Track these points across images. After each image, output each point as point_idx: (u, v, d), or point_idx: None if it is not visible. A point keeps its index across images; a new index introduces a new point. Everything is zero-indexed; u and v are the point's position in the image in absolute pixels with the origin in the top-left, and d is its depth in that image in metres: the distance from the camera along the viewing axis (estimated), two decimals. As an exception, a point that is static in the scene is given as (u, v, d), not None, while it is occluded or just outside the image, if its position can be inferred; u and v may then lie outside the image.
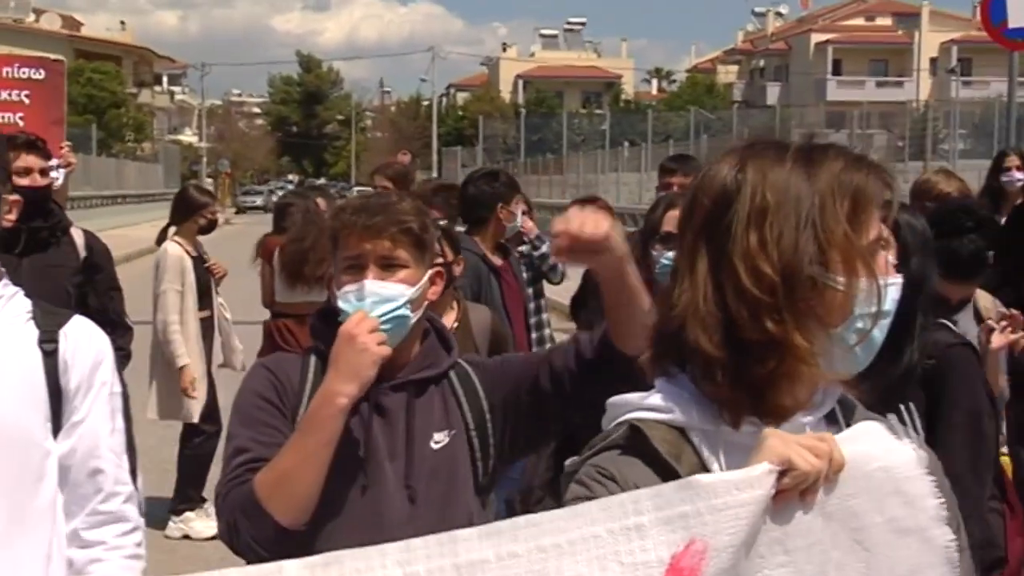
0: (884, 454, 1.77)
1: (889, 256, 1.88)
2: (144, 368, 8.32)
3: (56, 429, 2.64)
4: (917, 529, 1.76)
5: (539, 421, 3.07)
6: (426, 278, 3.02)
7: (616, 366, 2.80)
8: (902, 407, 3.32)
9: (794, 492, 1.71)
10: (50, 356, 2.64)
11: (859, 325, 1.82)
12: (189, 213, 8.61)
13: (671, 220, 4.22)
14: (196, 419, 8.37)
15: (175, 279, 8.33)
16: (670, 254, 4.14)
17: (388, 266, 2.95)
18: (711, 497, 1.68)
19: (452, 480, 3.01)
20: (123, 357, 6.13)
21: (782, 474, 1.69)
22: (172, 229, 8.68)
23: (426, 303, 3.04)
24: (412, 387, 3.02)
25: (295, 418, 2.97)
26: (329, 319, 3.08)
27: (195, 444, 8.49)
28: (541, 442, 3.42)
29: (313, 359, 3.06)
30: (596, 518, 1.70)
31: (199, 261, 8.59)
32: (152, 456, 8.74)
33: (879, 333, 1.84)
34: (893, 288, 1.85)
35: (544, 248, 6.93)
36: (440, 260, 3.49)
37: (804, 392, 1.83)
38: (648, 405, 1.87)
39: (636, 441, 1.83)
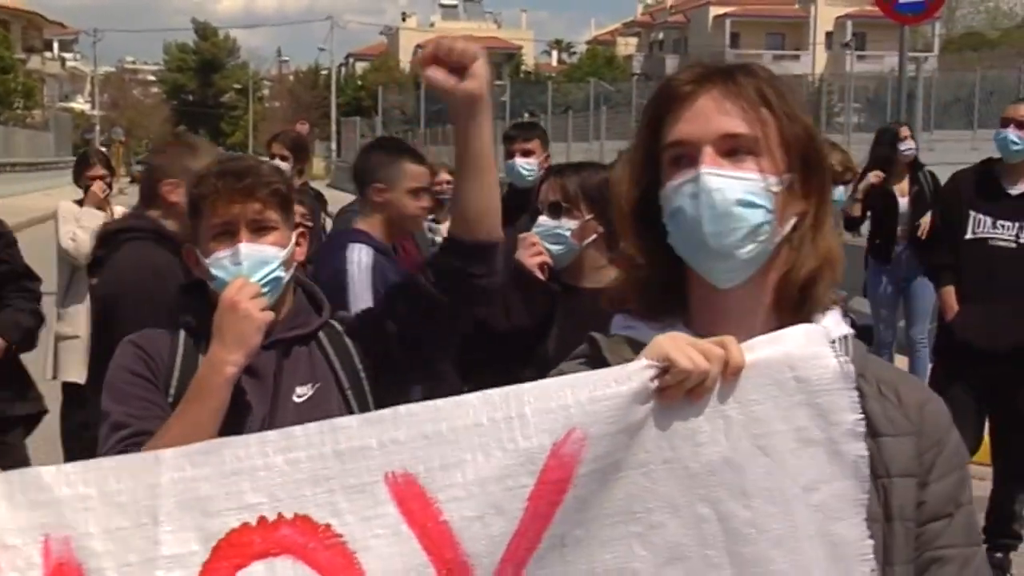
0: (804, 363, 1.79)
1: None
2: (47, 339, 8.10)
3: None
4: (826, 441, 1.78)
5: (400, 358, 3.06)
6: (293, 238, 3.01)
7: (456, 263, 2.86)
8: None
9: (678, 390, 1.76)
10: None
11: None
12: (80, 172, 8.59)
13: (540, 193, 4.29)
14: (81, 379, 8.22)
15: (71, 227, 8.14)
16: (552, 223, 4.19)
17: (259, 228, 2.93)
18: (591, 389, 1.75)
19: None
20: (33, 297, 6.24)
21: (665, 372, 1.74)
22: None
23: (295, 263, 3.04)
24: (282, 346, 3.00)
25: (167, 392, 2.93)
26: (195, 293, 3.06)
27: (73, 411, 8.25)
28: (415, 376, 3.39)
29: (182, 334, 3.02)
30: (478, 408, 1.76)
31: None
32: (55, 426, 8.51)
33: None
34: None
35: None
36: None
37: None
38: (616, 324, 2.03)
39: (591, 350, 1.99)
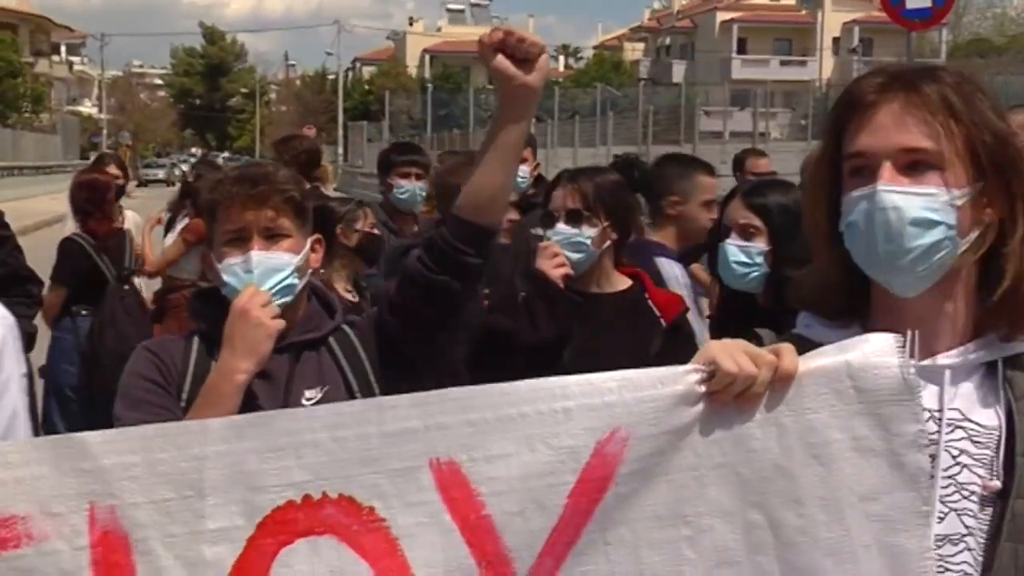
0: (865, 373, 1.78)
1: None
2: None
3: None
4: (886, 452, 1.77)
5: (405, 348, 3.06)
6: (308, 245, 3.02)
7: (454, 246, 2.85)
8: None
9: (726, 395, 1.76)
10: None
11: None
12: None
13: (552, 199, 4.25)
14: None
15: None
16: (548, 232, 4.16)
17: (272, 236, 2.94)
18: (636, 390, 1.76)
19: None
20: (34, 303, 6.32)
21: (712, 376, 1.75)
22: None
23: (310, 270, 3.05)
24: (295, 349, 3.01)
25: (179, 398, 2.94)
26: (209, 300, 3.07)
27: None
28: (424, 365, 3.42)
29: (196, 340, 3.03)
30: (524, 398, 1.77)
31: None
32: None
33: None
34: None
35: None
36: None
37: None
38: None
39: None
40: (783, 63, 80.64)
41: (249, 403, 2.89)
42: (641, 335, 4.08)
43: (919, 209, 1.83)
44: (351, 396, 3.02)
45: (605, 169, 4.61)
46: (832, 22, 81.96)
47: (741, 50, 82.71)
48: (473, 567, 1.75)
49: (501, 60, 2.63)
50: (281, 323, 2.89)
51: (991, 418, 1.88)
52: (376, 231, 5.57)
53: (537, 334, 4.01)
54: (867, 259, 1.89)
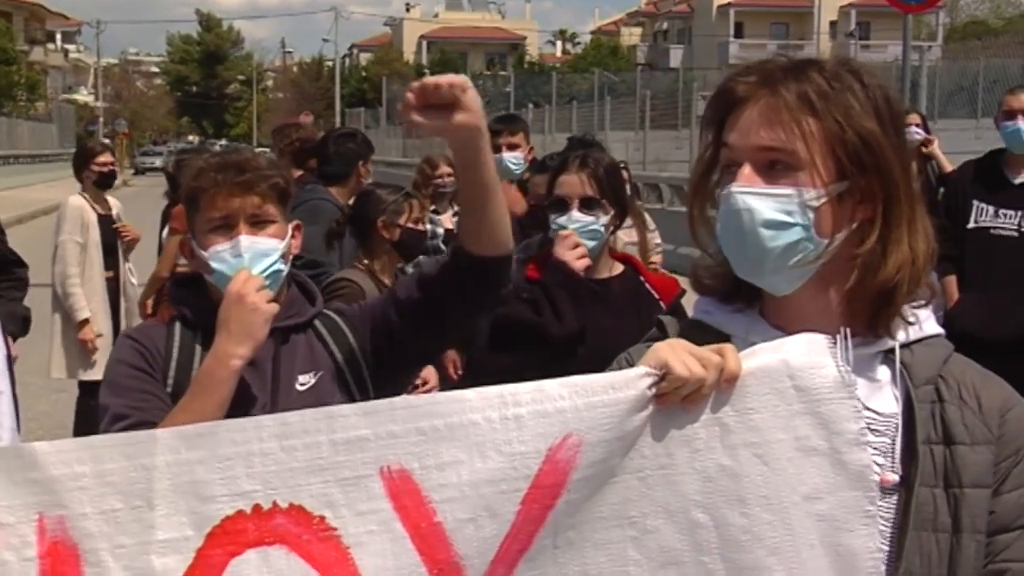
0: (804, 372, 1.77)
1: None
2: (45, 328, 8.11)
3: None
4: (829, 451, 1.76)
5: (403, 348, 3.07)
6: (290, 231, 3.03)
7: (469, 272, 2.86)
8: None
9: (674, 396, 1.75)
10: None
11: None
12: (83, 162, 8.49)
13: (562, 185, 4.16)
14: (102, 376, 8.19)
15: (75, 230, 8.15)
16: (561, 219, 4.11)
17: (257, 222, 2.94)
18: (588, 395, 1.75)
19: None
20: (23, 285, 6.30)
21: (662, 379, 1.74)
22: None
23: (291, 256, 3.05)
24: (279, 334, 3.00)
25: (165, 383, 2.94)
26: (190, 285, 3.08)
27: (93, 407, 8.28)
28: (415, 362, 3.40)
29: (178, 326, 3.03)
30: (475, 406, 1.75)
31: (107, 220, 8.42)
32: (44, 422, 8.56)
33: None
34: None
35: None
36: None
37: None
38: (696, 307, 2.03)
39: (660, 334, 2.00)
40: (780, 47, 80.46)
41: (239, 390, 2.88)
42: (645, 318, 4.07)
43: (771, 211, 1.82)
44: (343, 381, 3.04)
45: (597, 145, 4.56)
46: (829, 5, 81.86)
47: (738, 34, 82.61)
48: (425, 575, 1.74)
49: (424, 121, 2.48)
50: (276, 307, 2.89)
51: (889, 405, 1.86)
52: (420, 226, 5.41)
53: (564, 327, 3.97)
54: (732, 260, 1.89)
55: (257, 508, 1.76)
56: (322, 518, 1.76)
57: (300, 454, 1.76)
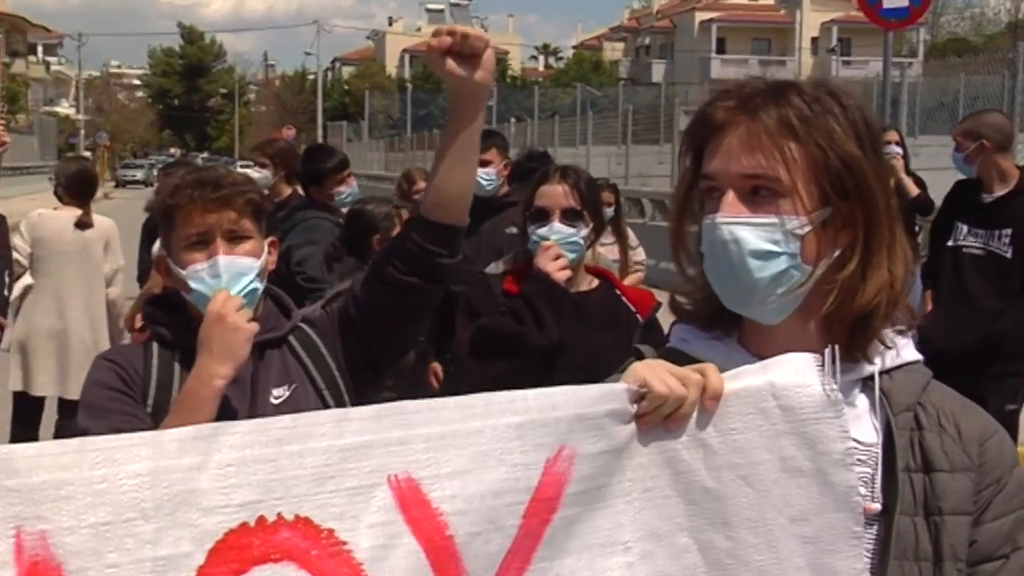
0: (788, 392, 1.74)
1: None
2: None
3: None
4: (815, 472, 1.73)
5: (367, 343, 3.08)
6: (266, 247, 3.02)
7: (421, 245, 2.91)
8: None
9: (655, 416, 1.72)
10: None
11: None
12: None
13: (544, 196, 4.16)
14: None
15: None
16: (542, 230, 4.11)
17: (234, 238, 2.93)
18: (577, 405, 1.71)
19: None
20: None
21: (643, 397, 1.72)
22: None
23: (267, 272, 3.03)
24: (257, 350, 2.97)
25: (145, 403, 2.91)
26: (164, 305, 3.06)
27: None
28: (385, 358, 3.37)
29: (155, 346, 3.01)
30: (480, 412, 1.69)
31: None
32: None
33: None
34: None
35: None
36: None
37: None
38: (673, 335, 1.99)
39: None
40: (762, 63, 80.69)
41: (220, 404, 2.85)
42: (624, 331, 4.08)
43: (758, 240, 1.78)
44: (317, 393, 3.03)
45: (549, 159, 4.56)
46: (811, 22, 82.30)
47: (720, 50, 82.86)
48: None
49: (452, 65, 2.68)
50: (256, 326, 2.87)
51: (868, 435, 1.84)
52: None
53: (545, 336, 3.97)
54: (720, 292, 1.85)
55: (261, 520, 1.60)
56: (331, 531, 1.62)
57: (305, 460, 1.62)
